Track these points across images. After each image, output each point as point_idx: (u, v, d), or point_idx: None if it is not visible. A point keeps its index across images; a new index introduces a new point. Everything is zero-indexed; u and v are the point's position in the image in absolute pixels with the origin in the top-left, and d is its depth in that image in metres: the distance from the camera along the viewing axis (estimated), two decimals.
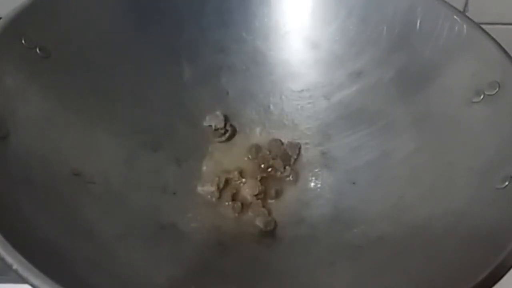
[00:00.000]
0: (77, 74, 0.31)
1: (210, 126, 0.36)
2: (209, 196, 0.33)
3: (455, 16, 0.32)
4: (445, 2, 0.33)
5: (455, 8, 0.33)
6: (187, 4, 0.36)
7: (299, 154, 0.36)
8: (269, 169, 0.35)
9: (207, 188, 0.33)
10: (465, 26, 0.32)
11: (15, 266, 0.21)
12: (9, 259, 0.21)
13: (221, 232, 0.32)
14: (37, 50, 0.29)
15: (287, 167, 0.35)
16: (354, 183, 0.33)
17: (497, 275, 0.22)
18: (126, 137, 0.33)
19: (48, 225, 0.25)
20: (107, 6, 0.34)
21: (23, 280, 0.21)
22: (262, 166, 0.35)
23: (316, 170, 0.35)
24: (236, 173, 0.34)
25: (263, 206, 0.33)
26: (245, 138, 0.37)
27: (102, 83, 0.33)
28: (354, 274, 0.28)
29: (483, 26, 0.31)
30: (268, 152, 0.36)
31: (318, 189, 0.34)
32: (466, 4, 0.42)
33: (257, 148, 0.36)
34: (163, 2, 0.36)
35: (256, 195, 0.33)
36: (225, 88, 0.37)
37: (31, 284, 0.20)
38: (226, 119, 0.36)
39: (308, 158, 0.36)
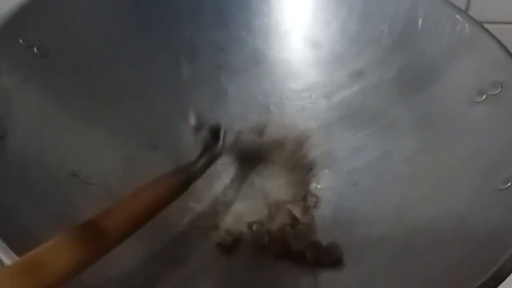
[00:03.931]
0: (75, 74, 0.31)
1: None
2: None
3: (457, 15, 0.32)
4: (447, 0, 0.33)
5: (457, 7, 0.33)
6: (186, 3, 0.36)
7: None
8: None
9: None
10: (467, 25, 0.31)
11: None
12: (6, 261, 0.20)
13: (220, 233, 0.31)
14: (35, 49, 0.29)
15: None
16: (355, 184, 0.33)
17: (500, 277, 0.22)
18: (125, 137, 0.32)
19: (46, 226, 0.25)
20: (105, 5, 0.34)
21: None
22: None
23: (317, 171, 0.35)
24: None
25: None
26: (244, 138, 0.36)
27: (100, 83, 0.32)
28: (355, 276, 0.28)
29: (485, 25, 0.31)
30: None
31: (319, 190, 0.34)
32: (468, 3, 0.41)
33: None
34: (162, 2, 0.35)
35: None
36: (224, 88, 0.37)
37: None
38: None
39: (309, 159, 0.35)
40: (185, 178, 0.28)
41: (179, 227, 0.31)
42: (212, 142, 0.33)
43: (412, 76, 0.34)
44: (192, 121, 0.35)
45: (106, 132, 0.32)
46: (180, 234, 0.31)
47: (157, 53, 0.35)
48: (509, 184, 0.26)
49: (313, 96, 0.37)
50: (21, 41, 0.29)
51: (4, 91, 0.27)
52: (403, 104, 0.34)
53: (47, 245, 0.19)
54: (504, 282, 0.22)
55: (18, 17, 0.29)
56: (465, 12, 0.33)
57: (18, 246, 0.21)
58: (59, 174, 0.28)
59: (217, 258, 0.30)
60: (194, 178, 0.29)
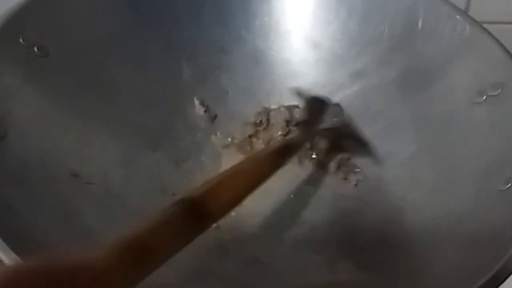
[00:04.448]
0: (76, 74, 0.31)
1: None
2: None
3: (457, 16, 0.32)
4: (447, 1, 0.33)
5: (457, 7, 0.33)
6: (186, 3, 0.36)
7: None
8: None
9: None
10: (467, 26, 0.31)
11: None
12: (6, 261, 0.20)
13: (220, 233, 0.31)
14: (35, 49, 0.29)
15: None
16: (355, 184, 0.33)
17: (499, 279, 0.22)
18: (125, 137, 0.32)
19: (46, 226, 0.25)
20: (106, 5, 0.33)
21: None
22: None
23: (317, 171, 0.35)
24: None
25: None
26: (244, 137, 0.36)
27: (100, 83, 0.32)
28: (355, 277, 0.28)
29: (485, 25, 0.31)
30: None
31: (319, 190, 0.34)
32: (468, 3, 0.41)
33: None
34: (162, 2, 0.35)
35: None
36: (225, 88, 0.37)
37: None
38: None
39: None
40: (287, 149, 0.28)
41: None
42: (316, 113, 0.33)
43: (412, 77, 0.34)
44: (199, 109, 0.35)
45: (106, 132, 0.32)
46: None
47: (157, 53, 0.35)
48: (510, 184, 0.26)
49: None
50: (21, 40, 0.29)
51: (4, 91, 0.27)
52: (403, 104, 0.34)
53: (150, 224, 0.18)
54: (504, 283, 0.22)
55: (18, 17, 0.29)
56: (465, 12, 0.33)
57: (18, 246, 0.21)
58: (59, 174, 0.28)
59: (217, 258, 0.30)
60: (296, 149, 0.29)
